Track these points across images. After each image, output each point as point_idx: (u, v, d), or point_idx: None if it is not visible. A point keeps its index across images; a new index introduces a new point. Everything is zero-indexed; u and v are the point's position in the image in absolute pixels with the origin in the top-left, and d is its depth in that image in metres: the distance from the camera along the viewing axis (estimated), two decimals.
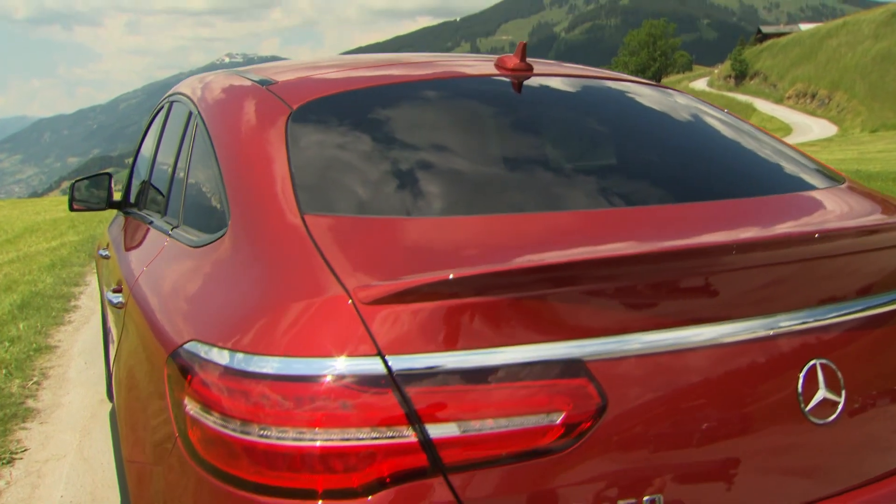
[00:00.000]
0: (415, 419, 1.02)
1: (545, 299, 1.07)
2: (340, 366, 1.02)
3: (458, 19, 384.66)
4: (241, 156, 1.55)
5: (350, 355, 1.03)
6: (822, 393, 1.18)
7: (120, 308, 1.98)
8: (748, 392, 1.15)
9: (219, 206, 1.53)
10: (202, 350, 1.18)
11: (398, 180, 1.45)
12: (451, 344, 1.03)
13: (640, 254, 1.12)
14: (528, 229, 1.29)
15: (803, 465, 1.21)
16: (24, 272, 8.13)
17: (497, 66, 1.92)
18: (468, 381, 1.03)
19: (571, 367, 1.05)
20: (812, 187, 1.64)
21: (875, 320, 1.30)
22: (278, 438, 1.03)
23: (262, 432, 1.04)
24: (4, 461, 3.45)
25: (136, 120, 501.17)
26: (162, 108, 2.82)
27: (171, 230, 1.86)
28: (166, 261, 1.74)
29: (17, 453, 3.55)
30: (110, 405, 4.07)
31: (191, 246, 1.61)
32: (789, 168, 1.77)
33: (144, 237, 2.20)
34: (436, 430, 1.02)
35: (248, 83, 1.84)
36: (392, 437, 1.01)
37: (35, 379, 4.60)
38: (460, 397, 1.02)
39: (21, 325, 5.69)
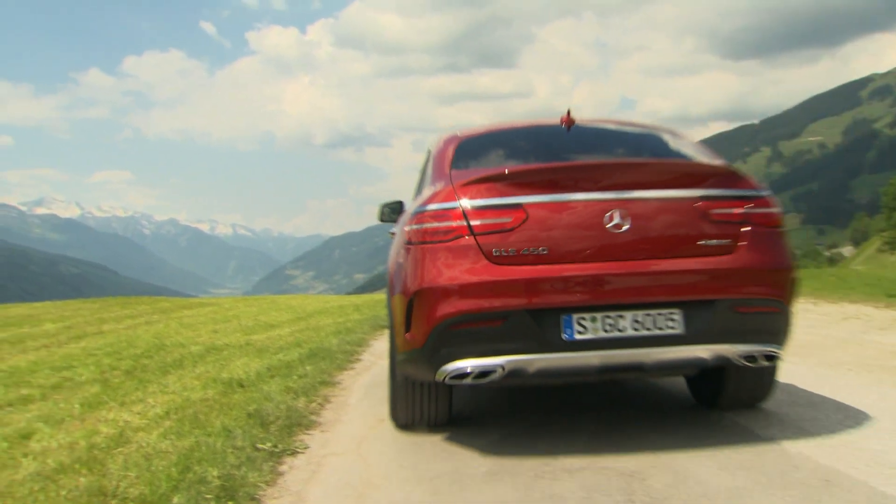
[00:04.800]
0: None
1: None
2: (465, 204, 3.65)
3: (756, 122, 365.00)
4: (438, 152, 4.42)
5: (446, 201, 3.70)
6: (616, 220, 3.53)
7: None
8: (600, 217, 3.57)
9: (425, 175, 4.62)
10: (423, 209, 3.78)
11: (500, 156, 4.41)
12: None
13: (573, 165, 3.94)
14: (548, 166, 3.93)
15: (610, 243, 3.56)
16: (312, 336, 9.09)
17: (561, 119, 4.58)
18: None
19: None
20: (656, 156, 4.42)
21: (646, 201, 3.59)
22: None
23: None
24: (288, 453, 3.85)
25: None
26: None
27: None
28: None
29: (299, 449, 3.95)
30: (389, 424, 4.40)
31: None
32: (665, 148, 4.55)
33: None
34: None
35: (452, 133, 4.69)
36: None
37: (318, 401, 5.10)
38: None
39: (308, 367, 6.34)
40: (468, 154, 4.32)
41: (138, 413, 5.02)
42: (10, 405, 5.83)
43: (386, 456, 3.78)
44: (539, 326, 3.47)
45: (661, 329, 3.51)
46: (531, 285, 3.47)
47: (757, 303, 3.62)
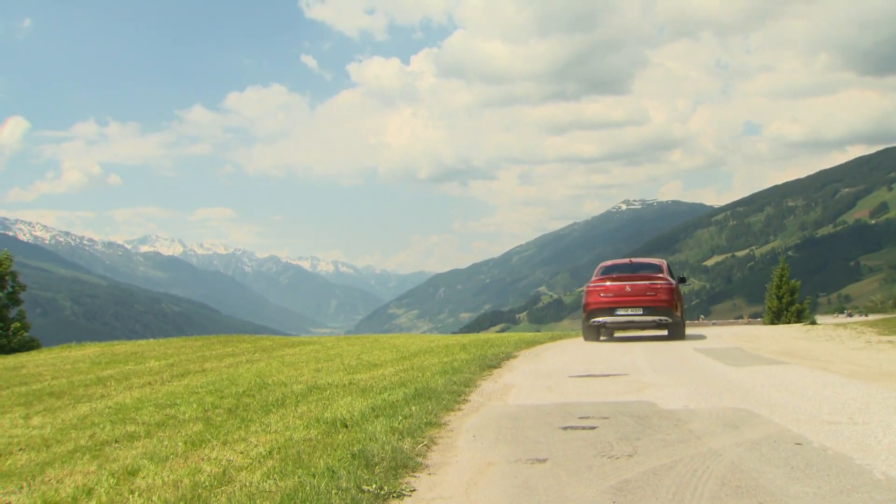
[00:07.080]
0: None
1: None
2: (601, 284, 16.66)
3: None
4: (596, 269, 18.09)
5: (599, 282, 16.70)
6: (628, 288, 16.10)
7: None
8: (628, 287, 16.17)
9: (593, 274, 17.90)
10: (590, 284, 17.04)
11: (609, 271, 17.51)
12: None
13: (619, 276, 16.76)
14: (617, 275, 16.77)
15: (630, 292, 16.19)
16: (417, 376, 9.14)
17: (627, 257, 19.49)
18: None
19: None
20: (655, 271, 17.07)
21: (642, 285, 16.09)
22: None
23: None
24: (395, 495, 3.89)
25: (526, 273, 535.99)
26: None
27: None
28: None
29: (406, 492, 3.98)
30: (500, 467, 4.38)
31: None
32: (655, 268, 17.36)
33: None
34: None
35: (603, 262, 18.64)
36: None
37: (425, 443, 5.12)
38: None
39: (413, 408, 6.39)
40: (603, 270, 17.22)
41: (241, 452, 5.16)
42: (116, 441, 6.10)
43: (496, 501, 3.76)
44: (611, 311, 15.91)
45: (637, 313, 15.80)
46: (608, 301, 15.93)
47: (662, 306, 15.83)
